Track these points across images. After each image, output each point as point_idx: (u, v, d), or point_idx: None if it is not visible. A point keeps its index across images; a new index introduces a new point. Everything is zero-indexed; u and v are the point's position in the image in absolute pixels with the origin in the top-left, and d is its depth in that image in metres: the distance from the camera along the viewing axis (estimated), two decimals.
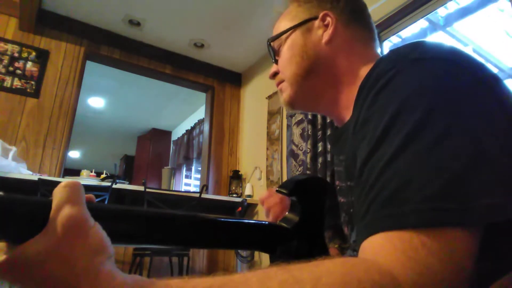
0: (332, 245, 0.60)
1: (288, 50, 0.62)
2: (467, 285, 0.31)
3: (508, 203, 0.32)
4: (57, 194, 0.28)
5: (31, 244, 0.26)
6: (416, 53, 0.41)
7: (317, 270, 0.30)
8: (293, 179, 0.50)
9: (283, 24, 0.64)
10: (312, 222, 0.48)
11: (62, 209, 0.28)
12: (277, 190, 0.49)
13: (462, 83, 0.38)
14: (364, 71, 0.55)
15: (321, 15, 0.60)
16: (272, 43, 0.65)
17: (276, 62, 0.66)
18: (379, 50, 0.63)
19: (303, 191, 0.49)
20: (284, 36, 0.63)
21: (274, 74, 0.66)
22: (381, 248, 0.32)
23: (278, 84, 0.65)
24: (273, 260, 0.45)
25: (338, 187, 0.60)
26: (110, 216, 0.34)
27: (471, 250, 0.31)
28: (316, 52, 0.59)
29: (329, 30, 0.59)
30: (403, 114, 0.36)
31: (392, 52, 0.45)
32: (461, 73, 0.39)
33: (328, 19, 0.60)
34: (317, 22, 0.60)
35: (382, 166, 0.35)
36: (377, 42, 0.64)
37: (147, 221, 0.36)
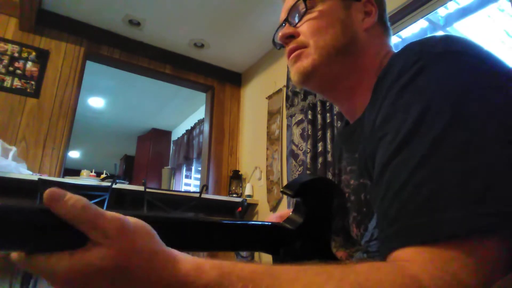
0: (343, 250, 0.59)
1: (326, 17, 0.55)
2: None
3: None
4: (81, 214, 0.28)
5: (89, 253, 0.27)
6: (442, 46, 0.40)
7: (346, 269, 0.31)
8: (299, 180, 0.49)
9: None
10: (317, 223, 0.48)
11: (100, 218, 0.28)
12: (281, 191, 0.49)
13: (489, 79, 0.37)
14: (383, 64, 0.53)
15: (364, 0, 0.58)
16: (307, 1, 0.56)
17: (294, 25, 0.57)
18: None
19: (308, 192, 0.49)
20: (321, 1, 0.56)
21: (290, 36, 0.57)
22: (410, 257, 0.32)
23: (295, 49, 0.56)
24: (276, 261, 0.44)
25: (352, 186, 0.58)
26: None
27: (503, 256, 0.31)
28: (354, 33, 0.55)
29: (371, 18, 0.57)
30: (431, 115, 0.35)
31: (415, 44, 0.43)
32: (487, 69, 0.38)
33: (371, 8, 0.58)
34: (359, 5, 0.57)
35: (410, 170, 0.34)
36: (391, 38, 0.63)
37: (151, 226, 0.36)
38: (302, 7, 0.56)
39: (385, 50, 0.58)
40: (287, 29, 0.57)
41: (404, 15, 2.03)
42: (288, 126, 2.75)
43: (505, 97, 0.36)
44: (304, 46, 0.56)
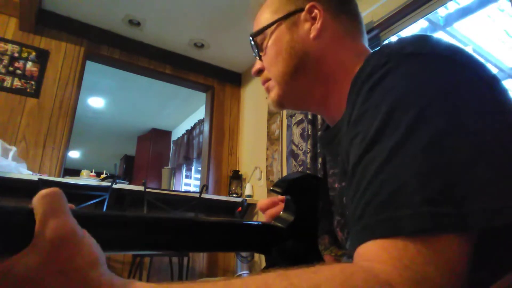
0: (329, 253, 0.58)
1: (273, 46, 0.57)
2: None
3: (505, 207, 0.31)
4: (39, 205, 0.27)
5: (19, 258, 0.25)
6: (411, 47, 0.40)
7: (316, 278, 0.30)
8: (287, 178, 0.49)
9: (266, 16, 0.59)
10: (307, 221, 0.48)
11: (48, 221, 0.26)
12: (270, 189, 0.49)
13: (458, 81, 0.37)
14: (355, 66, 0.51)
15: (307, 7, 0.56)
16: (255, 38, 0.59)
17: (260, 58, 0.61)
18: (367, 44, 0.60)
19: (297, 190, 0.48)
20: (268, 31, 0.58)
21: (259, 71, 0.62)
22: (377, 256, 0.32)
23: (264, 83, 0.61)
24: (269, 261, 0.44)
25: (337, 189, 0.58)
26: (99, 223, 0.32)
27: (466, 256, 0.31)
28: (304, 48, 0.55)
29: (317, 24, 0.55)
30: (397, 113, 0.35)
31: (386, 46, 0.43)
32: (457, 71, 0.38)
33: (316, 11, 0.55)
34: (303, 15, 0.56)
35: (376, 167, 0.34)
36: (365, 35, 0.61)
37: (136, 226, 0.35)
38: (254, 44, 0.60)
39: (353, 50, 0.56)
40: (257, 65, 0.62)
41: (404, 15, 2.03)
42: (288, 126, 2.75)
43: (474, 99, 0.36)
44: (268, 78, 0.60)
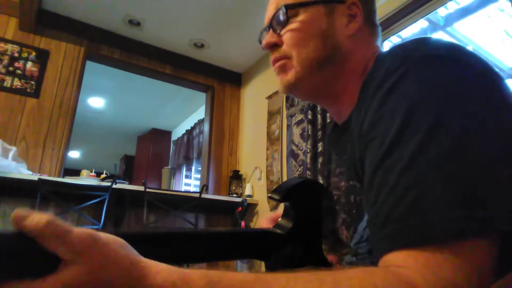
0: (333, 252, 0.59)
1: (307, 27, 0.54)
2: None
3: None
4: (46, 231, 0.27)
5: (63, 273, 0.26)
6: (423, 50, 0.40)
7: (339, 275, 0.31)
8: (286, 185, 0.49)
9: None
10: (306, 227, 0.47)
11: (68, 234, 0.27)
12: (269, 197, 0.48)
13: (473, 83, 0.37)
14: (368, 66, 0.52)
15: (349, 2, 0.55)
16: (288, 10, 0.55)
17: (279, 32, 0.56)
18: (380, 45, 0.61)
19: (296, 196, 0.48)
20: (303, 9, 0.54)
21: (274, 45, 0.57)
22: (403, 262, 0.32)
23: (278, 60, 0.57)
24: (268, 267, 0.44)
25: (343, 188, 0.58)
26: None
27: (492, 259, 0.31)
28: (337, 42, 0.54)
29: (356, 23, 0.55)
30: (415, 117, 0.35)
31: (398, 48, 0.44)
32: (471, 73, 0.38)
33: (356, 10, 0.55)
34: (343, 8, 0.55)
35: (398, 173, 0.34)
36: (381, 38, 0.62)
37: (135, 242, 0.34)
38: (283, 17, 0.55)
39: (371, 52, 0.56)
40: (270, 38, 0.57)
41: (404, 15, 2.03)
42: (288, 126, 2.75)
43: (487, 100, 0.37)
44: (287, 56, 0.56)
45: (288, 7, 0.55)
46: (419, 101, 0.36)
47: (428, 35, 2.07)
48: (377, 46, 0.59)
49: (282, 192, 0.48)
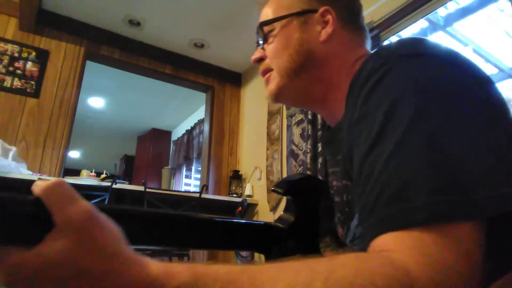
0: (330, 249, 0.59)
1: (281, 39, 0.59)
2: (481, 278, 0.30)
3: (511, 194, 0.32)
4: (52, 194, 0.28)
5: (45, 246, 0.26)
6: (407, 49, 0.41)
7: (331, 263, 0.30)
8: (288, 179, 0.50)
9: (276, 9, 0.60)
10: (307, 221, 0.48)
11: (67, 207, 0.27)
12: (272, 190, 0.49)
13: (455, 79, 0.38)
14: (356, 68, 0.53)
15: (321, 10, 0.57)
16: (263, 27, 0.60)
17: (263, 47, 0.62)
18: (370, 47, 0.62)
19: (298, 190, 0.49)
20: (278, 23, 0.59)
21: (259, 60, 0.62)
22: (393, 246, 0.32)
23: (264, 73, 0.62)
24: (269, 261, 0.44)
25: (335, 187, 0.59)
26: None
27: (480, 244, 0.31)
28: (310, 49, 0.57)
29: (329, 29, 0.57)
30: (399, 109, 0.36)
31: (383, 48, 0.45)
32: (454, 70, 0.39)
33: (329, 16, 0.57)
34: (316, 16, 0.58)
35: (383, 162, 0.35)
36: (369, 40, 0.63)
37: (138, 221, 0.35)
38: (262, 33, 0.61)
39: (356, 55, 0.57)
40: (257, 53, 0.63)
41: (404, 15, 2.03)
42: (288, 126, 2.75)
43: (467, 94, 0.38)
44: (270, 69, 0.61)
45: (263, 24, 0.60)
46: (401, 94, 0.37)
47: (428, 36, 2.07)
48: (364, 48, 0.60)
49: (285, 186, 0.48)
